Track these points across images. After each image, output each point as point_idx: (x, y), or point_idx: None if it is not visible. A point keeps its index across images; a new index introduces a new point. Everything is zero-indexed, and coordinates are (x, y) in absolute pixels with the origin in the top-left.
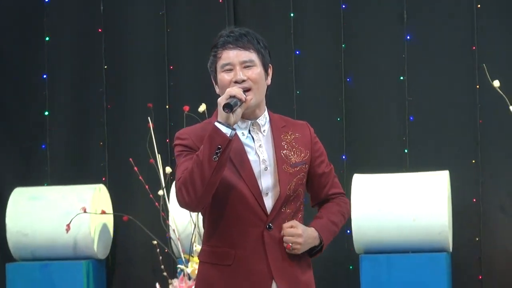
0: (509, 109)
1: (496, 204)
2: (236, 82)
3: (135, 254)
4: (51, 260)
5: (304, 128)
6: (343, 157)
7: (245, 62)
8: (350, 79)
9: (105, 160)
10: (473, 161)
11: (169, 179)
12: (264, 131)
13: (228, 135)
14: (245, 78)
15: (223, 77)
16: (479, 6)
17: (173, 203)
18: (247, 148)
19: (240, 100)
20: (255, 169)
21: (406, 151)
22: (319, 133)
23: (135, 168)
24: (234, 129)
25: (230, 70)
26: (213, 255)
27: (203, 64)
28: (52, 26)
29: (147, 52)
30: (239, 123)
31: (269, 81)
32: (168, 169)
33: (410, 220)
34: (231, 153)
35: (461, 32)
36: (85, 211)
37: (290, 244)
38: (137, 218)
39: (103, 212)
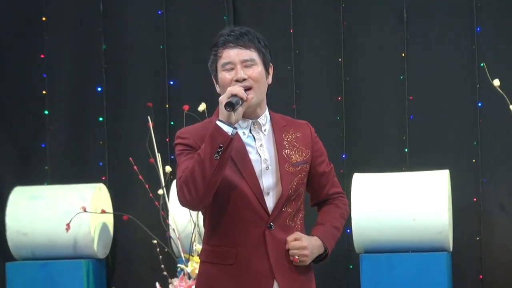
0: (509, 108)
1: (496, 203)
2: (237, 80)
3: (135, 253)
4: (51, 260)
5: (305, 128)
6: (343, 156)
7: (245, 61)
8: (350, 78)
9: (105, 159)
10: (473, 160)
11: (169, 178)
12: (265, 130)
13: (230, 134)
14: (246, 76)
15: (224, 76)
16: (479, 5)
17: (173, 202)
18: (248, 148)
19: (241, 99)
20: (256, 168)
21: (406, 150)
22: (319, 132)
23: (135, 167)
24: (235, 128)
25: (231, 69)
26: (214, 255)
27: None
28: (51, 25)
29: (147, 51)
30: (240, 122)
31: (270, 80)
32: (168, 168)
33: (410, 219)
34: (232, 152)
35: (461, 31)
36: (85, 210)
37: (297, 257)
38: (137, 217)
39: (103, 211)
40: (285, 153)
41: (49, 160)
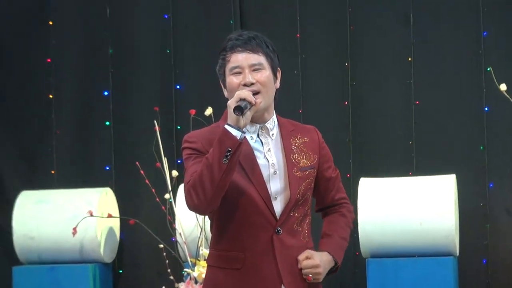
0: None
1: (503, 208)
2: (245, 85)
3: (141, 258)
4: (58, 264)
5: (312, 133)
6: (350, 160)
7: (254, 65)
8: (356, 83)
9: (111, 163)
10: (480, 164)
11: (176, 182)
12: (272, 135)
13: (238, 138)
14: (254, 81)
15: (232, 80)
16: (485, 9)
17: (179, 207)
18: (256, 152)
19: (250, 103)
20: (264, 173)
21: (412, 154)
22: (326, 137)
23: (142, 172)
24: (244, 132)
25: (239, 73)
26: (221, 259)
27: (209, 68)
28: (58, 29)
29: (154, 55)
30: (248, 126)
31: (277, 84)
32: (175, 173)
33: (417, 224)
34: (240, 156)
35: (467, 35)
36: (91, 215)
37: (311, 276)
38: (144, 221)
39: (110, 216)
40: (293, 157)
41: (55, 164)
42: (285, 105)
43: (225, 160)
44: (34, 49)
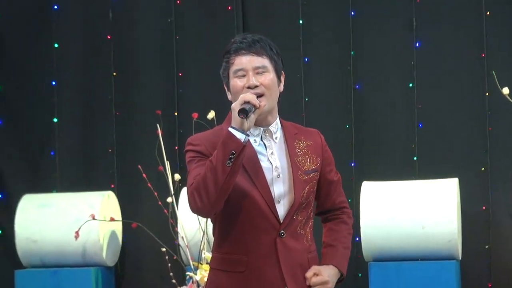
0: None
1: (505, 211)
2: (249, 87)
3: (144, 261)
4: (60, 267)
5: (316, 136)
6: (352, 164)
7: (258, 67)
8: (359, 86)
9: (114, 167)
10: (483, 168)
11: (178, 186)
12: (276, 138)
13: (242, 141)
14: (258, 83)
15: (236, 83)
16: (488, 13)
17: (182, 210)
18: (259, 155)
19: (254, 106)
20: (268, 176)
21: (415, 158)
22: (328, 141)
23: (144, 175)
24: (248, 135)
25: (243, 75)
26: (224, 262)
27: (212, 71)
28: (61, 32)
29: (156, 59)
30: (251, 130)
31: (281, 88)
32: (177, 176)
33: (419, 227)
34: (244, 160)
35: (470, 39)
36: (94, 218)
37: None
38: (146, 225)
39: (112, 219)
40: (297, 160)
41: (58, 168)
42: (288, 108)
43: (229, 163)
44: (37, 53)
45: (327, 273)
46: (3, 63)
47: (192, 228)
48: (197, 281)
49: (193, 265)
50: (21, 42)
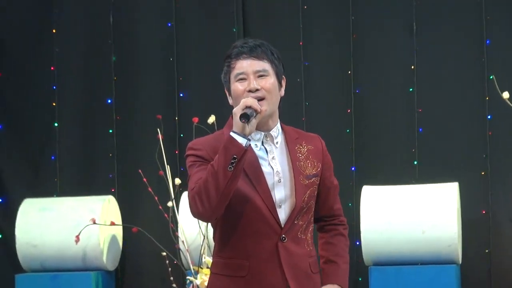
0: None
1: (506, 215)
2: (249, 91)
3: (144, 266)
4: (61, 271)
5: (316, 141)
6: (352, 168)
7: (258, 71)
8: (359, 91)
9: (114, 171)
10: (483, 172)
11: (178, 190)
12: (277, 143)
13: (244, 145)
14: (258, 87)
15: (237, 87)
16: (488, 17)
17: (182, 215)
18: (260, 160)
19: (255, 110)
20: (269, 181)
21: (415, 162)
22: (328, 145)
23: (144, 180)
24: (249, 139)
25: (244, 79)
26: (226, 267)
27: (213, 76)
28: (61, 37)
29: (157, 63)
30: (252, 134)
31: (282, 92)
32: (178, 181)
33: (419, 232)
34: (245, 164)
35: (470, 43)
36: (94, 223)
37: None
38: (146, 229)
39: (113, 224)
40: (299, 165)
41: (58, 172)
42: (288, 113)
43: (230, 167)
44: (37, 57)
45: None
46: (4, 67)
47: (193, 232)
48: (197, 285)
49: (194, 269)
50: (22, 46)
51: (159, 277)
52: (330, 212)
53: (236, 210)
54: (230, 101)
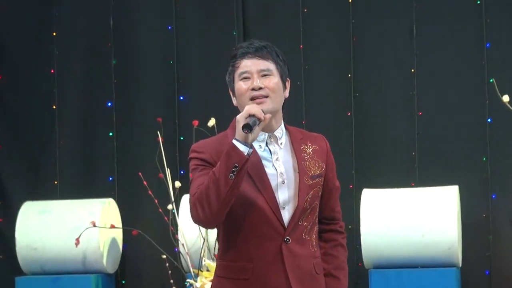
0: None
1: (506, 219)
2: (253, 89)
3: (144, 268)
4: (61, 274)
5: (321, 141)
6: (352, 171)
7: (262, 70)
8: (360, 94)
9: (114, 174)
10: (483, 176)
11: (178, 193)
12: (281, 143)
13: (246, 154)
14: (262, 86)
15: (240, 85)
16: (488, 20)
17: (182, 218)
18: (264, 161)
19: (259, 119)
20: (273, 182)
21: (415, 166)
22: None
23: (145, 182)
24: (251, 147)
25: (248, 78)
26: (229, 270)
27: (213, 78)
28: (61, 40)
29: (157, 66)
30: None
31: (286, 94)
32: (178, 184)
33: (419, 235)
34: (248, 166)
35: (470, 46)
36: (94, 225)
37: None
38: (146, 232)
39: (113, 226)
40: (304, 165)
41: (59, 175)
42: (288, 115)
43: (231, 176)
44: (38, 59)
45: None
46: (4, 70)
47: (193, 235)
48: None
49: (194, 272)
50: (22, 49)
51: (159, 280)
52: (331, 214)
53: (239, 212)
54: (234, 102)
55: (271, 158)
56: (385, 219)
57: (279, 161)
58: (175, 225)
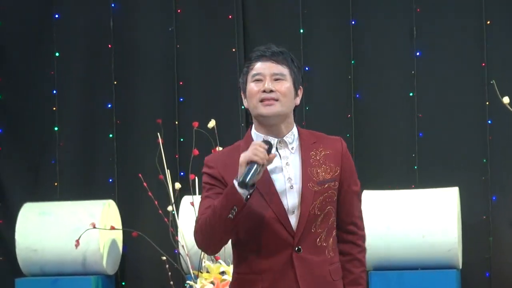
0: None
1: (506, 220)
2: (264, 91)
3: (144, 270)
4: (60, 276)
5: (336, 144)
6: None
7: (275, 74)
8: (360, 95)
9: (114, 175)
10: (483, 177)
11: (178, 195)
12: (292, 148)
13: (244, 198)
14: (273, 89)
15: (252, 87)
16: (488, 22)
17: (182, 219)
18: (273, 166)
19: (259, 164)
20: (280, 187)
21: (415, 167)
22: None
23: (144, 184)
24: (253, 186)
25: (260, 80)
26: (241, 283)
27: (213, 80)
28: (61, 41)
29: (157, 68)
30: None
31: (298, 101)
32: (178, 185)
33: (419, 236)
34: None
35: (470, 48)
36: (94, 227)
37: None
38: (146, 233)
39: (112, 228)
40: (310, 171)
41: (58, 176)
42: None
43: (230, 216)
44: (38, 61)
45: None
46: (4, 71)
47: (193, 237)
48: None
49: (194, 273)
50: (22, 51)
51: (159, 281)
52: (347, 219)
53: (247, 226)
54: (245, 103)
55: (281, 163)
56: (385, 221)
57: (288, 166)
58: (175, 227)
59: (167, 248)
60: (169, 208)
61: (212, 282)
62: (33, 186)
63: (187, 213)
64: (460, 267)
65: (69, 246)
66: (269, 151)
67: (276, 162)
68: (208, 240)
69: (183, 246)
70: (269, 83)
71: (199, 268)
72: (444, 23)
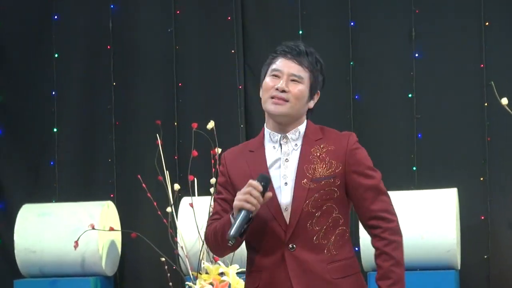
0: None
1: (504, 221)
2: (277, 89)
3: (143, 271)
4: (59, 277)
5: (342, 140)
6: None
7: (293, 75)
8: (359, 96)
9: (113, 176)
10: (482, 178)
11: (177, 196)
12: (296, 145)
13: (240, 237)
14: (286, 89)
15: (268, 81)
16: (487, 23)
17: (181, 220)
18: (273, 163)
19: (251, 211)
20: (276, 184)
21: (414, 168)
22: None
23: (144, 185)
24: (250, 220)
25: (277, 76)
26: (248, 280)
27: (212, 81)
28: (61, 42)
29: (156, 69)
30: (271, 136)
31: (311, 105)
32: (177, 186)
33: (418, 237)
34: (252, 172)
35: (469, 49)
36: (93, 228)
37: None
38: (145, 235)
39: (111, 229)
40: (306, 168)
41: (58, 177)
42: None
43: (230, 243)
44: (37, 62)
45: None
46: (4, 72)
47: (192, 238)
48: None
49: (193, 275)
50: (22, 52)
51: (158, 282)
52: (366, 214)
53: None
54: (260, 93)
55: (281, 159)
56: None
57: (288, 162)
58: (174, 228)
59: (166, 249)
60: (168, 209)
61: (211, 283)
62: (33, 186)
63: (186, 214)
64: (459, 267)
65: (68, 247)
66: (266, 187)
67: (277, 158)
68: (215, 251)
69: (182, 247)
70: (284, 82)
71: (198, 269)
72: (443, 24)
